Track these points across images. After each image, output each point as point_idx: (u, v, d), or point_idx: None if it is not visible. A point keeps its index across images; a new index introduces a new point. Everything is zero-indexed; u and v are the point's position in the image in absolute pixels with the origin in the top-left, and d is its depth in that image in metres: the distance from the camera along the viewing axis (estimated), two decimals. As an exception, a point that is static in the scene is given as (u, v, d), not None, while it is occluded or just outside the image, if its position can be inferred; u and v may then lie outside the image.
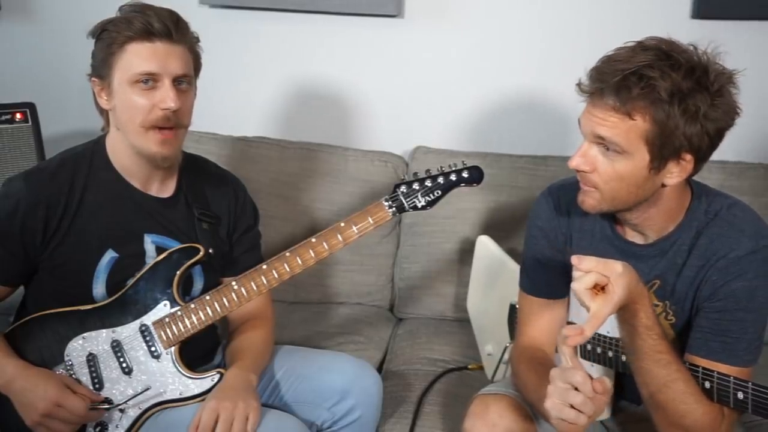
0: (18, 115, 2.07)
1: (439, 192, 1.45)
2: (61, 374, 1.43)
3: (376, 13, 2.19)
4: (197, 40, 1.48)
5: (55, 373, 1.42)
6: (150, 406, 1.44)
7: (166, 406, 1.44)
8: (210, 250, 1.50)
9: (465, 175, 1.46)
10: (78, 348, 1.44)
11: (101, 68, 1.42)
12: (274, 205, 2.03)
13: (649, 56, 1.17)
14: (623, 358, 1.36)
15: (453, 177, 1.46)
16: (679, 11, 2.10)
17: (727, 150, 1.59)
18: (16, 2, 2.35)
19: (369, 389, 1.55)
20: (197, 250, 1.48)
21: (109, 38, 1.40)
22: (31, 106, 2.09)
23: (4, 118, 2.06)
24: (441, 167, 1.47)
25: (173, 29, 1.40)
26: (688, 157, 1.21)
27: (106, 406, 1.42)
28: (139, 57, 1.38)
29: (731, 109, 1.20)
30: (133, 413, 1.43)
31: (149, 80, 1.39)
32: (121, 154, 1.48)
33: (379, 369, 1.89)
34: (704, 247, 1.29)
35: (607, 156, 1.22)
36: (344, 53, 2.28)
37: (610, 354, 1.38)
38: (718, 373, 1.20)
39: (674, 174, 1.23)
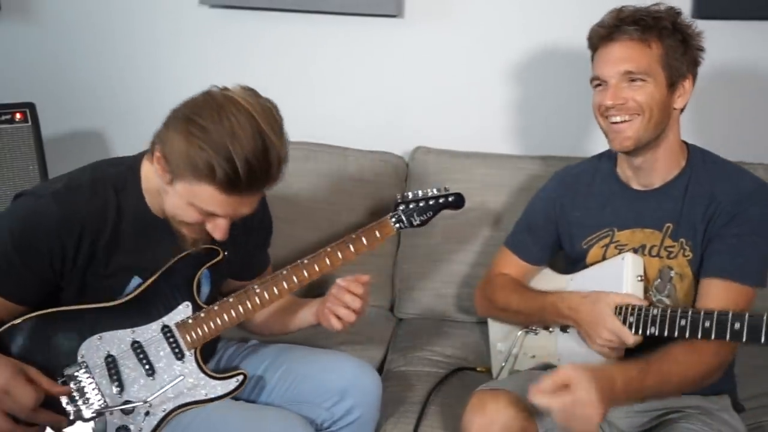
0: (18, 115, 2.07)
1: (431, 213, 1.62)
2: (21, 364, 1.32)
3: (376, 13, 2.19)
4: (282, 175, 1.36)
5: (15, 361, 1.31)
6: (175, 407, 1.43)
7: (191, 407, 1.44)
8: (225, 253, 1.49)
9: (450, 200, 1.62)
10: (94, 348, 1.40)
11: (170, 156, 1.28)
12: (274, 205, 2.02)
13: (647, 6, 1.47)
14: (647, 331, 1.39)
15: (441, 200, 1.62)
16: (679, 11, 2.10)
17: (727, 150, 1.59)
18: (16, 2, 2.35)
19: (368, 389, 1.56)
20: (216, 252, 1.48)
21: (194, 156, 1.24)
22: (31, 106, 2.10)
23: (4, 118, 2.06)
24: (428, 191, 1.62)
25: (264, 183, 1.31)
26: (689, 79, 1.48)
27: (71, 414, 1.36)
28: (208, 201, 1.29)
29: (699, 51, 1.50)
30: (158, 416, 1.42)
31: (211, 215, 1.33)
32: (154, 190, 1.40)
33: (380, 369, 1.90)
34: (712, 186, 1.47)
35: (634, 86, 1.44)
36: (344, 53, 2.28)
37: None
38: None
39: (682, 95, 1.48)
